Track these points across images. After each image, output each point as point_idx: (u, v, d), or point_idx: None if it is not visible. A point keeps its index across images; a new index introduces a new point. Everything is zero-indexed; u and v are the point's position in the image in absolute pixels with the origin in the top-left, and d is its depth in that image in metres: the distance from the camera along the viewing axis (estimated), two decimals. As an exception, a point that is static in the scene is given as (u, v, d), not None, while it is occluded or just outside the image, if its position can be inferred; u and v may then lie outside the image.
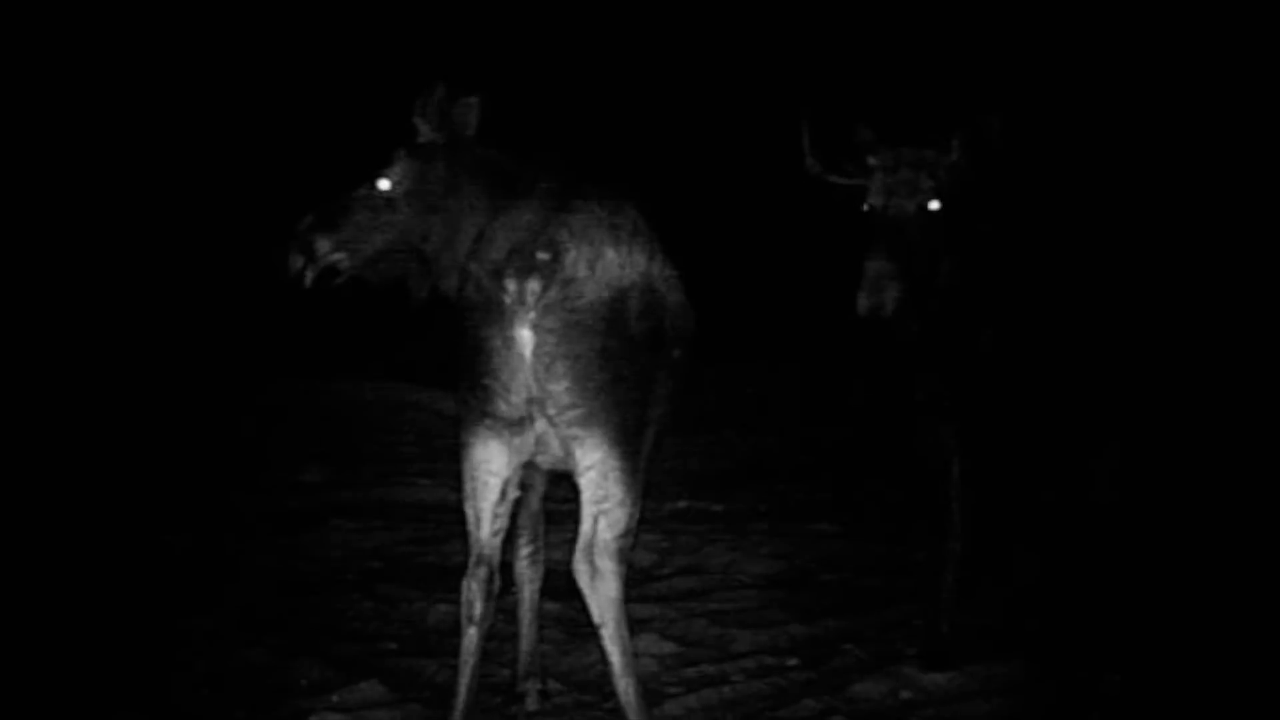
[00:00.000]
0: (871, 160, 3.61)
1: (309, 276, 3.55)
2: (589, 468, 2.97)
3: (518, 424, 2.96)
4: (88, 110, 10.09)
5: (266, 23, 10.72)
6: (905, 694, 3.68)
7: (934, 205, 3.54)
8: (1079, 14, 9.22)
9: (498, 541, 3.09)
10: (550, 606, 4.34)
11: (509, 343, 2.91)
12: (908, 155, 3.59)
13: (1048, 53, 9.05)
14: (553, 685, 3.76)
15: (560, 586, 4.58)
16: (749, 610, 4.40)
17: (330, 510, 5.69)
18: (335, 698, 3.63)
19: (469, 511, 3.06)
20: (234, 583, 4.70)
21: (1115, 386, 4.07)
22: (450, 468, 6.36)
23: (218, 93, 10.57)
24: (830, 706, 3.59)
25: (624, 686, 3.05)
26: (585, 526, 3.01)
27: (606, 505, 2.99)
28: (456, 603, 4.34)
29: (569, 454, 2.99)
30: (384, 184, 3.53)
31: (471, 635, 3.10)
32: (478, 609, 3.08)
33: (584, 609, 4.33)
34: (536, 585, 3.62)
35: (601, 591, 3.01)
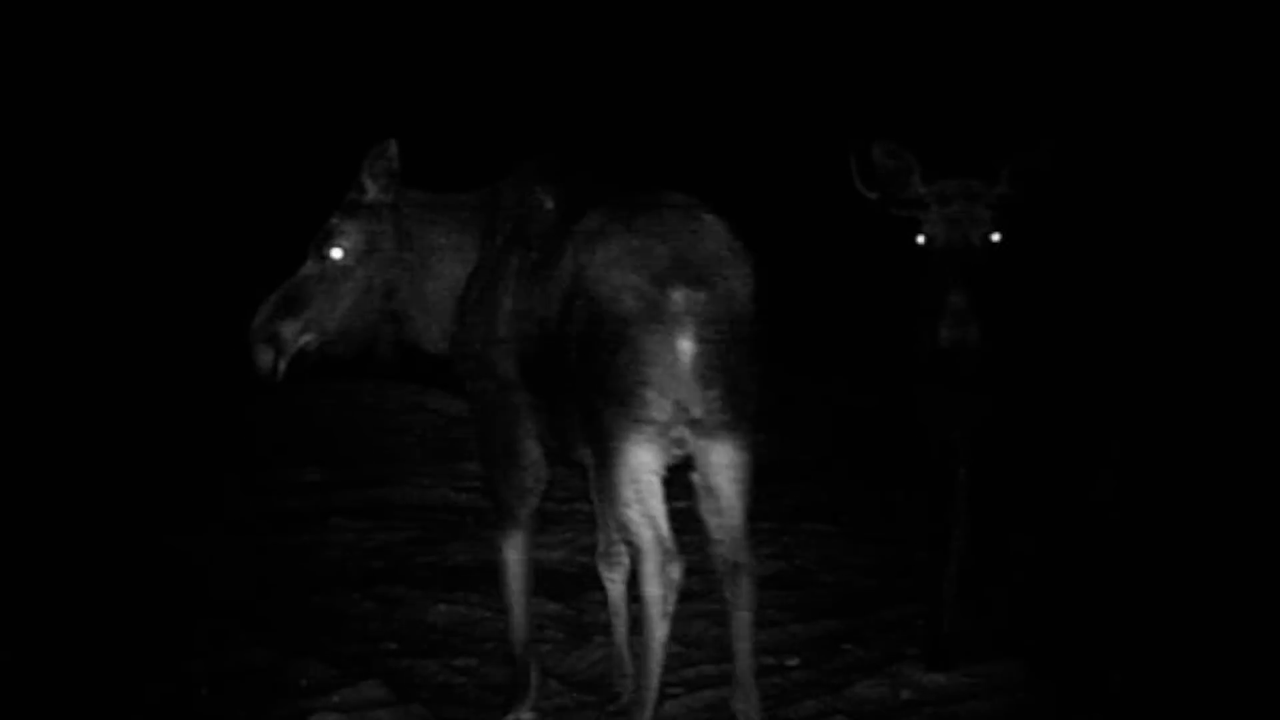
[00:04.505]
0: (921, 190, 3.57)
1: (281, 368, 3.47)
2: (726, 466, 3.07)
3: (665, 427, 3.01)
4: (84, 112, 10.10)
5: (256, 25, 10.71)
6: (905, 694, 3.68)
7: (996, 237, 3.52)
8: (1112, 35, 9.19)
9: (671, 534, 3.09)
10: (551, 607, 4.34)
11: (670, 351, 2.95)
12: (959, 186, 3.55)
13: (1073, 78, 9.01)
14: (553, 685, 3.76)
15: (560, 586, 4.59)
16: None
17: (330, 510, 5.69)
18: (335, 698, 3.62)
19: (634, 516, 3.05)
20: (234, 583, 4.70)
21: (1116, 387, 4.07)
22: (450, 468, 6.39)
23: (214, 92, 10.57)
24: (830, 706, 3.59)
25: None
26: (731, 521, 3.10)
27: (738, 507, 3.09)
28: (456, 603, 4.40)
29: (704, 457, 3.07)
30: (337, 253, 3.47)
31: (666, 629, 3.10)
32: (671, 604, 3.08)
33: (584, 609, 4.36)
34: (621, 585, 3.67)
35: (743, 583, 3.09)
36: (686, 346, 2.96)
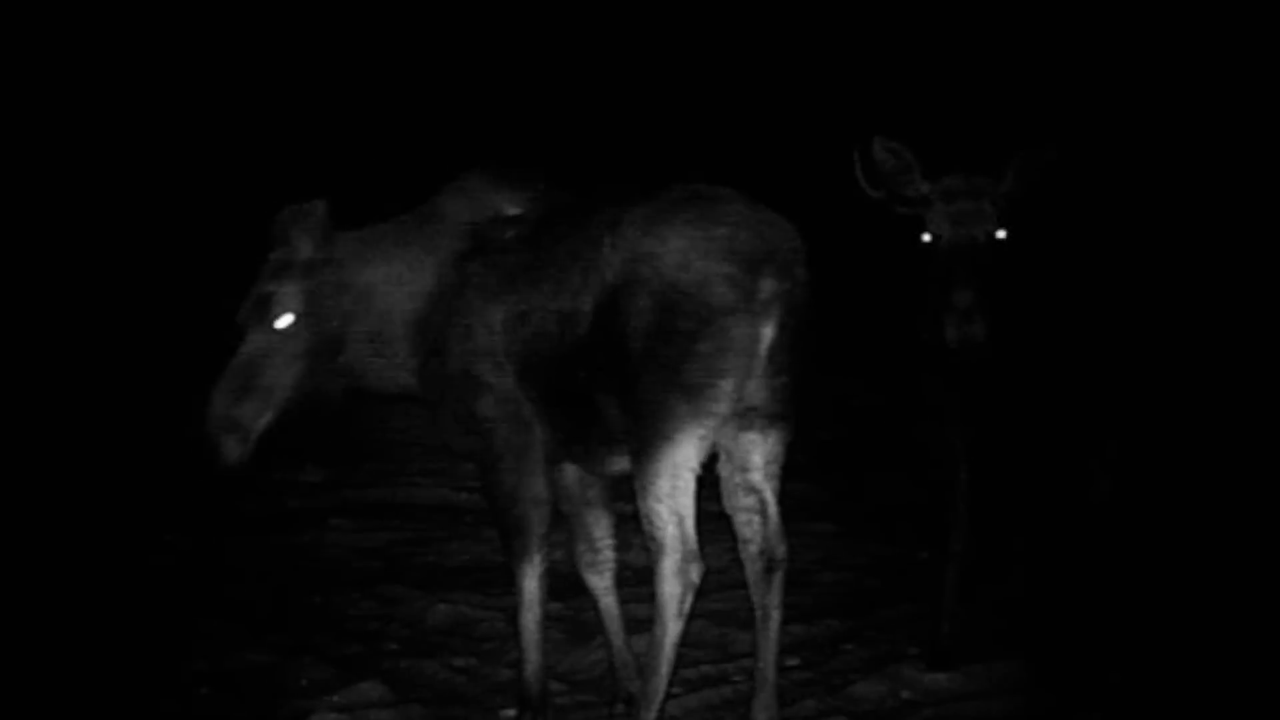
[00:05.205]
0: (925, 188, 3.57)
1: (248, 451, 3.32)
2: (770, 461, 3.13)
3: (723, 420, 3.01)
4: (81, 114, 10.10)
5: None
6: (905, 694, 3.68)
7: (1001, 234, 3.53)
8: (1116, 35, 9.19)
9: (695, 535, 3.06)
10: (550, 606, 4.33)
11: (754, 339, 2.96)
12: (964, 183, 3.56)
13: (1077, 76, 9.01)
14: (553, 685, 3.75)
15: (560, 586, 4.59)
16: (749, 610, 4.38)
17: (330, 510, 5.69)
18: (335, 698, 3.63)
19: (662, 511, 3.00)
20: (234, 583, 4.70)
21: (1114, 387, 4.07)
22: (450, 468, 6.39)
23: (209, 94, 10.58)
24: (830, 706, 3.59)
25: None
26: (769, 515, 3.14)
27: (775, 501, 3.14)
28: (456, 603, 4.39)
29: (747, 450, 3.11)
30: (284, 322, 3.29)
31: (680, 629, 3.08)
32: (688, 604, 3.07)
33: (583, 609, 4.35)
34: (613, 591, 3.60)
35: (777, 579, 3.16)
36: (769, 334, 2.97)
